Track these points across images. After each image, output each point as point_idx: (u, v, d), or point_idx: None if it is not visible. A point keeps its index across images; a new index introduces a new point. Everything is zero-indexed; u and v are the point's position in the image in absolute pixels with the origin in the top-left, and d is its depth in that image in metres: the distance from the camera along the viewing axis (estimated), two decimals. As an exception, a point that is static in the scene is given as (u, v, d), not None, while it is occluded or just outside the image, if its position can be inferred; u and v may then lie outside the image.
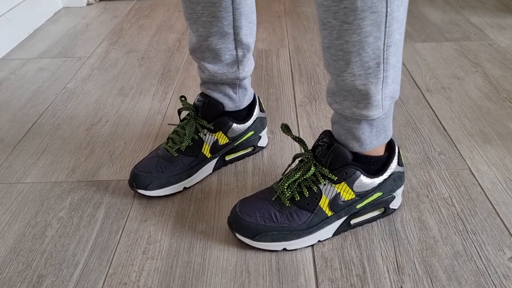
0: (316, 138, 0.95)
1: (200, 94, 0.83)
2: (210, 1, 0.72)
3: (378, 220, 0.73)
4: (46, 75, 1.30)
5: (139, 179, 0.78)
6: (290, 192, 0.68)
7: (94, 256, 0.70)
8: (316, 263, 0.67)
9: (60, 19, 1.77)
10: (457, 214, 0.74)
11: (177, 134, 0.83)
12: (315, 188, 0.67)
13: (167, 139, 0.83)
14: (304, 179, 0.68)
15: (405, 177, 0.83)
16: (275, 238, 0.67)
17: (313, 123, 1.01)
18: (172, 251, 0.70)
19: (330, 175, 0.66)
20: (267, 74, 1.24)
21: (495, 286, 0.62)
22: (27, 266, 0.69)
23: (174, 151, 0.81)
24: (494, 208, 0.75)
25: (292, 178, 0.68)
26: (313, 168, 0.67)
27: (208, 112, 0.81)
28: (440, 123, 0.99)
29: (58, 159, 0.93)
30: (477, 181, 0.81)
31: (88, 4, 1.92)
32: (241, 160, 0.90)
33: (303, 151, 0.77)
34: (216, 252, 0.69)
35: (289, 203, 0.68)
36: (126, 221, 0.76)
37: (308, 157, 0.68)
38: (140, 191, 0.78)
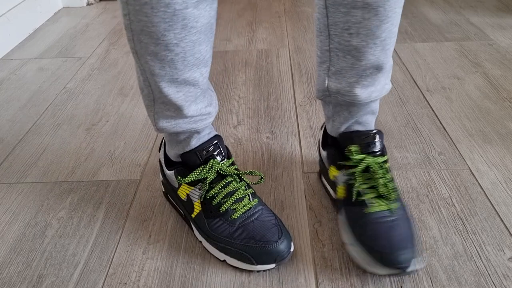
0: (317, 138, 0.95)
1: (199, 149, 0.67)
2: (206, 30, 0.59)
3: (378, 220, 0.74)
4: (46, 75, 1.30)
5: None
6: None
7: (94, 256, 0.70)
8: (316, 263, 0.67)
9: (60, 19, 1.77)
10: (457, 214, 0.74)
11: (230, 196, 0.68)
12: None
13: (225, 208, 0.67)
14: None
15: (406, 177, 0.83)
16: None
17: (313, 123, 1.01)
18: (172, 251, 0.70)
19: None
20: (267, 74, 1.24)
21: (495, 286, 0.62)
22: (27, 266, 0.69)
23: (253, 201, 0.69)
24: (494, 208, 0.75)
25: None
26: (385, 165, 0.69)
27: (223, 148, 0.70)
28: (440, 123, 0.99)
29: (58, 159, 0.93)
30: (477, 181, 0.81)
31: (88, 4, 1.92)
32: (241, 160, 0.90)
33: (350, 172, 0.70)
34: (216, 252, 0.69)
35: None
36: (126, 221, 0.76)
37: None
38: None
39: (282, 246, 0.63)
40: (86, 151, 0.95)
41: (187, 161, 0.68)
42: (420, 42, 1.39)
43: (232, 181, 0.68)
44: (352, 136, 0.69)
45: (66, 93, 1.20)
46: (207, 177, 0.67)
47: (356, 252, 0.64)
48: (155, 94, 0.63)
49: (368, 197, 0.66)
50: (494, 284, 0.62)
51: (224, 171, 0.67)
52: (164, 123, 0.66)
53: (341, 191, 0.70)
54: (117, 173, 0.88)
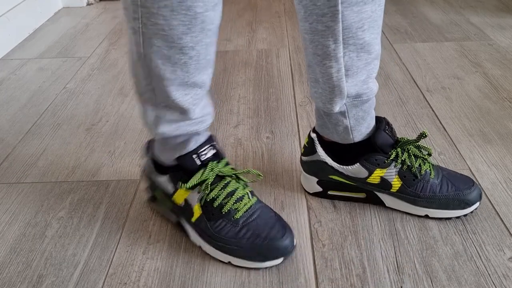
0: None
1: (193, 153, 0.67)
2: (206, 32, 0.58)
3: (378, 220, 0.73)
4: (46, 75, 1.30)
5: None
6: None
7: (94, 256, 0.70)
8: (316, 263, 0.67)
9: (60, 19, 1.77)
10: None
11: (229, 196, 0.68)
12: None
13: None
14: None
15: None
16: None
17: (313, 123, 1.01)
18: (172, 251, 0.70)
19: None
20: (267, 74, 1.24)
21: (495, 286, 0.62)
22: (27, 266, 0.69)
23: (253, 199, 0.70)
24: (494, 208, 0.75)
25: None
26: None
27: (219, 148, 0.70)
28: (440, 123, 0.99)
29: (58, 159, 0.93)
30: (477, 181, 0.81)
31: (88, 4, 1.92)
32: (241, 160, 0.90)
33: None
34: (216, 252, 0.69)
35: None
36: (126, 221, 0.76)
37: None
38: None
39: (287, 241, 0.65)
40: (86, 151, 0.95)
41: (184, 165, 0.67)
42: (420, 42, 1.39)
43: (230, 181, 0.68)
44: (387, 138, 0.71)
45: (66, 93, 1.20)
46: (207, 180, 0.66)
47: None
48: (158, 98, 0.62)
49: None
50: (494, 284, 0.62)
51: (222, 173, 0.67)
52: (165, 128, 0.65)
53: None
54: (117, 173, 0.88)
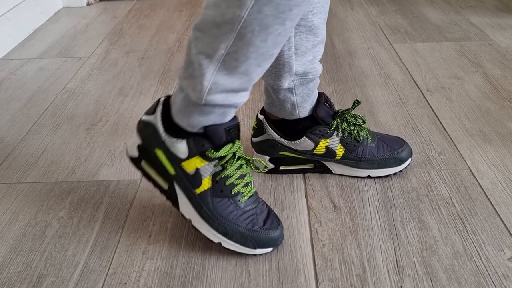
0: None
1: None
2: None
3: (378, 220, 0.74)
4: (46, 75, 1.30)
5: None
6: None
7: (94, 256, 0.70)
8: (316, 263, 0.67)
9: (60, 19, 1.77)
10: (457, 214, 0.74)
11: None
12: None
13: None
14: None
15: (406, 177, 0.83)
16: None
17: (313, 123, 1.01)
18: (172, 251, 0.70)
19: None
20: (267, 74, 1.24)
21: (495, 286, 0.62)
22: (27, 266, 0.69)
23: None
24: (494, 208, 0.75)
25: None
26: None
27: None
28: (440, 123, 0.99)
29: (58, 159, 0.93)
30: (477, 181, 0.81)
31: (88, 4, 1.92)
32: (241, 160, 0.90)
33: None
34: (216, 252, 0.69)
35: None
36: (126, 221, 0.76)
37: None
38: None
39: (279, 232, 0.68)
40: (86, 151, 0.95)
41: (212, 135, 0.64)
42: (420, 42, 1.39)
43: (243, 164, 0.68)
44: (327, 110, 0.79)
45: (66, 93, 1.20)
46: (226, 156, 0.65)
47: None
48: (229, 64, 0.57)
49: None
50: (494, 284, 0.62)
51: (241, 154, 0.67)
52: (218, 96, 0.60)
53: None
54: (117, 173, 0.88)
